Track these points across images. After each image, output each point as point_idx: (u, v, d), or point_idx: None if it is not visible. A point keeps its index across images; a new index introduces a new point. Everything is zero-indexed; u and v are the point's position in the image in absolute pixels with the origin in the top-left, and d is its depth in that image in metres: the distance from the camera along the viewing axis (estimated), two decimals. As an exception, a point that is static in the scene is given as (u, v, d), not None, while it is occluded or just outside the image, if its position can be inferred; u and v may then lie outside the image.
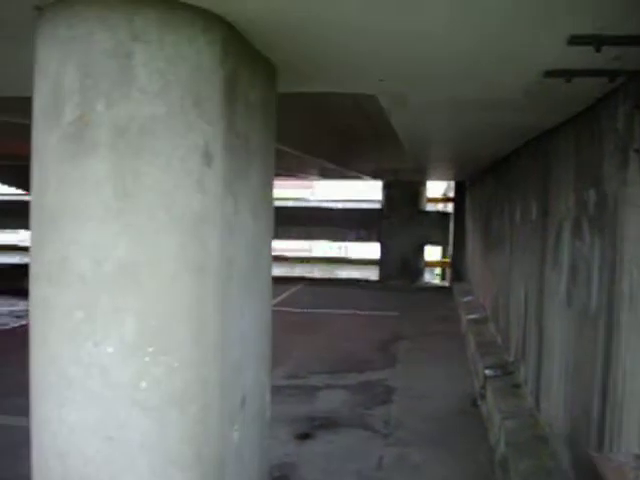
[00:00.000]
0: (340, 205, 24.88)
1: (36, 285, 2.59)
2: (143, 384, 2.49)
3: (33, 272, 2.62)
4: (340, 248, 37.39)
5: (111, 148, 2.48)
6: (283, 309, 13.05)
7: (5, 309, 13.03)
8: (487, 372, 7.93)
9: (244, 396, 3.14)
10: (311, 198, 32.37)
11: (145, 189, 2.49)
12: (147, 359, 2.49)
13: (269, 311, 3.66)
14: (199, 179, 2.60)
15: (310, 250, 35.69)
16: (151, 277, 2.50)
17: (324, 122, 8.58)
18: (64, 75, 2.55)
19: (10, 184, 20.82)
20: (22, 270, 14.25)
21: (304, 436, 6.83)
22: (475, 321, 11.34)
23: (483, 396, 7.64)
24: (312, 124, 8.56)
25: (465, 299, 14.01)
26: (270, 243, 3.65)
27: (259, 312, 3.37)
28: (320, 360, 9.77)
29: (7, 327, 11.45)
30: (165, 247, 2.53)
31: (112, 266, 2.47)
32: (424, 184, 21.18)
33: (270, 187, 3.58)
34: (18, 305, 13.61)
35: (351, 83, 4.39)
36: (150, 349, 2.49)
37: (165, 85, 2.56)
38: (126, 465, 2.54)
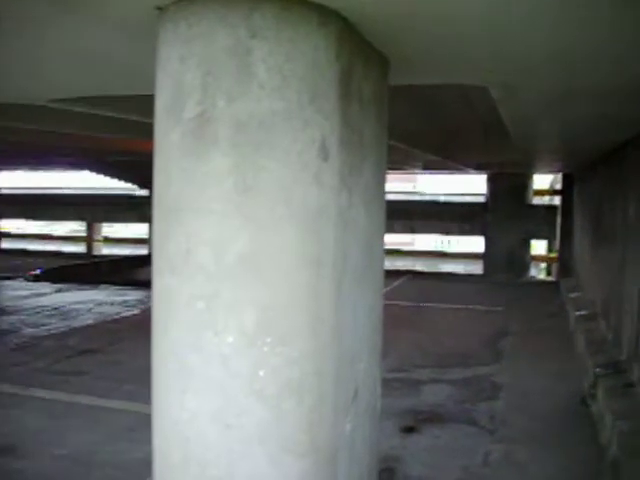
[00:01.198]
0: (443, 198, 24.66)
1: (159, 276, 2.70)
2: (261, 373, 2.55)
3: (156, 263, 2.72)
4: (443, 242, 37.10)
5: (232, 143, 2.54)
6: (387, 302, 13.03)
7: (118, 299, 13.54)
8: (597, 370, 7.71)
9: (357, 388, 3.16)
10: (414, 191, 32.22)
11: (264, 183, 2.54)
12: (265, 349, 2.55)
13: (381, 304, 3.68)
14: (316, 173, 2.63)
15: (412, 243, 35.56)
16: (270, 269, 2.56)
17: (430, 114, 8.51)
18: (185, 73, 2.63)
19: (125, 179, 21.59)
20: (133, 262, 14.93)
21: (409, 429, 6.83)
22: (584, 317, 11.03)
23: (593, 395, 7.44)
24: (417, 116, 8.50)
25: (573, 295, 13.65)
26: (382, 237, 3.67)
27: (371, 305, 3.39)
28: (425, 354, 9.73)
29: (120, 316, 11.90)
30: (283, 240, 2.58)
31: (233, 258, 2.54)
32: (530, 177, 20.73)
33: (383, 181, 3.60)
34: (129, 295, 14.15)
35: (462, 74, 4.35)
36: (268, 339, 2.55)
37: (283, 81, 2.60)
38: (244, 452, 2.60)
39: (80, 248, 26.88)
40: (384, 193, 3.66)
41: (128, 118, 7.66)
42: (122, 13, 2.94)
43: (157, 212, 2.73)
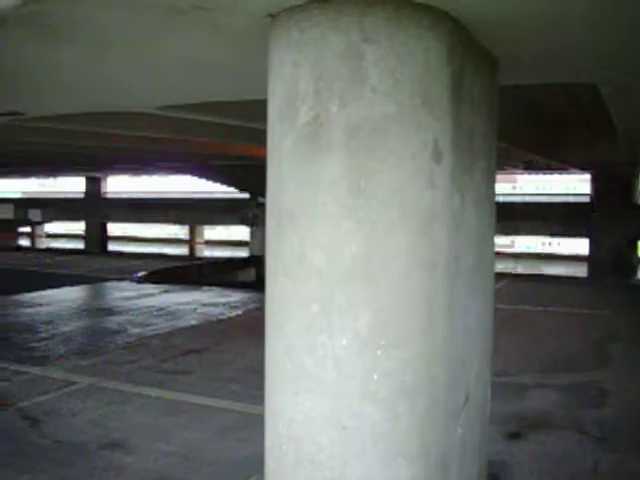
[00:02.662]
0: (545, 199, 24.09)
1: (273, 278, 2.74)
2: (375, 376, 2.56)
3: (270, 266, 2.77)
4: (544, 244, 36.20)
5: (345, 148, 2.56)
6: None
7: (221, 300, 13.80)
8: None
9: (468, 392, 3.13)
10: (514, 193, 31.57)
11: (378, 187, 2.55)
12: (379, 352, 2.55)
13: (491, 308, 3.63)
14: (429, 176, 2.62)
15: (512, 245, 34.85)
16: (383, 272, 2.57)
17: (533, 113, 8.34)
18: (298, 78, 2.67)
19: (225, 183, 21.99)
20: (235, 264, 15.13)
21: (514, 435, 6.68)
22: (699, 322, 10.55)
23: None
24: (520, 115, 8.35)
25: (685, 298, 13.08)
26: (493, 239, 3.62)
27: (482, 309, 3.35)
28: (528, 358, 9.50)
29: (224, 317, 12.12)
30: (397, 243, 2.58)
31: (346, 261, 2.56)
32: (636, 176, 20.00)
33: (492, 182, 3.55)
34: (232, 296, 14.41)
35: (571, 73, 4.24)
36: (382, 342, 2.56)
37: (395, 84, 2.60)
38: (357, 454, 2.61)
39: (183, 250, 27.59)
40: (494, 195, 3.62)
41: (231, 123, 7.82)
42: (234, 21, 3.01)
43: (271, 216, 2.78)
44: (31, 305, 13.33)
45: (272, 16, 2.81)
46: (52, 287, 15.49)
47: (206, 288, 15.54)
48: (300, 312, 2.63)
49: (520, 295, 15.48)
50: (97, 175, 26.43)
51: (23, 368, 8.27)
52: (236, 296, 14.43)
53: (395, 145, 2.57)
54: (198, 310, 12.64)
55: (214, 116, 7.22)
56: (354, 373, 2.58)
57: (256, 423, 6.21)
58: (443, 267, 2.71)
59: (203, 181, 22.84)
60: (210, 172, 20.32)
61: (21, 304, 13.50)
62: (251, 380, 7.78)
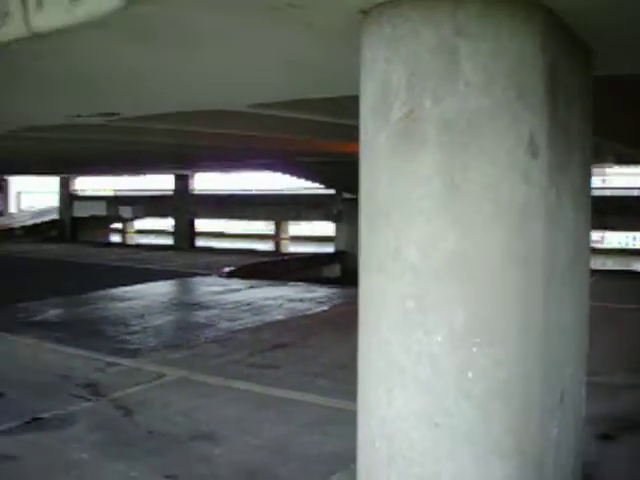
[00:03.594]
0: (637, 192, 23.28)
1: (367, 274, 2.75)
2: (470, 374, 2.54)
3: (363, 262, 2.78)
4: (635, 239, 35.00)
5: (439, 143, 2.55)
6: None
7: (308, 295, 13.87)
8: None
9: (563, 391, 3.07)
10: (604, 186, 30.62)
11: (472, 182, 2.53)
12: (474, 349, 2.53)
13: (587, 306, 3.54)
14: (524, 171, 2.59)
15: (601, 241, 33.83)
16: (478, 269, 2.54)
17: (626, 103, 8.08)
18: (391, 74, 2.67)
19: (311, 180, 22.12)
20: (321, 259, 15.12)
21: (606, 437, 6.50)
22: None
23: None
24: (611, 106, 8.10)
25: None
26: (589, 235, 3.54)
27: (578, 306, 3.28)
28: (620, 357, 9.21)
29: (310, 312, 12.18)
30: (491, 239, 2.55)
31: (441, 257, 2.55)
32: None
33: (588, 176, 3.47)
34: (318, 292, 14.48)
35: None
36: (477, 340, 2.54)
37: (488, 78, 2.57)
38: (450, 452, 2.60)
39: (268, 246, 27.88)
40: (590, 189, 3.53)
41: (319, 120, 7.85)
42: (326, 19, 3.03)
43: (365, 212, 2.79)
44: (123, 299, 13.71)
45: (364, 12, 2.82)
46: (142, 282, 15.90)
47: (292, 283, 15.65)
48: (394, 308, 2.63)
49: (610, 292, 15.02)
50: (185, 172, 26.99)
51: (116, 360, 8.50)
52: (322, 291, 14.49)
53: (490, 139, 2.55)
54: (284, 305, 12.74)
55: (303, 113, 7.26)
56: (449, 370, 2.56)
57: (343, 418, 6.27)
58: (539, 263, 2.66)
59: (288, 178, 23.05)
60: (296, 169, 20.47)
61: (114, 298, 13.91)
62: (338, 375, 7.80)
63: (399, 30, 2.66)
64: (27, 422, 6.12)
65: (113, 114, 5.85)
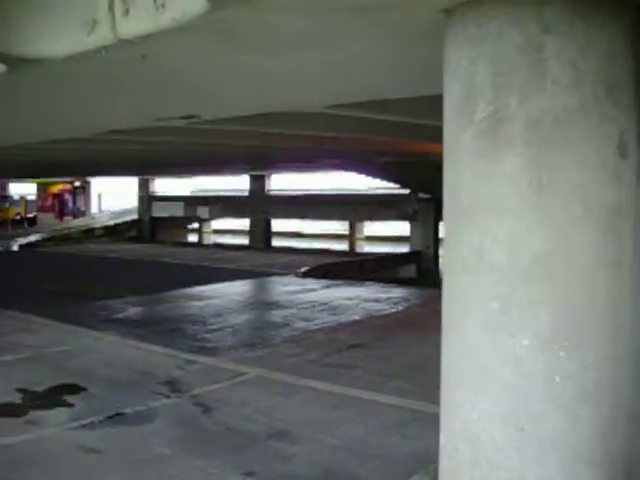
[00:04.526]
0: None
1: (451, 275, 2.73)
2: (557, 378, 2.49)
3: (448, 262, 2.76)
4: None
5: (525, 142, 2.51)
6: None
7: (383, 296, 13.84)
8: None
9: (653, 397, 2.98)
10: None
11: (559, 182, 2.48)
12: (562, 353, 2.48)
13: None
14: (614, 171, 2.53)
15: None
16: (565, 270, 2.49)
17: None
18: (475, 73, 2.64)
19: (388, 180, 22.05)
20: (396, 260, 15.01)
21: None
22: None
23: None
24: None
25: None
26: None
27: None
28: None
29: (386, 312, 12.15)
30: (580, 240, 2.50)
31: (527, 258, 2.50)
32: None
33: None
34: (393, 292, 14.43)
35: None
36: (565, 343, 2.48)
37: (577, 75, 2.52)
38: (536, 457, 2.55)
39: (343, 246, 27.91)
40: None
41: (396, 120, 7.83)
42: (407, 19, 3.01)
43: (449, 212, 2.76)
44: (201, 298, 13.94)
45: (447, 12, 2.80)
46: (219, 281, 16.12)
47: (367, 283, 15.63)
48: (479, 309, 2.60)
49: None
50: (261, 173, 27.25)
51: (195, 357, 8.65)
52: (397, 292, 14.44)
53: (578, 138, 2.49)
54: (360, 305, 12.74)
55: (380, 114, 7.25)
56: (535, 374, 2.52)
57: (420, 419, 6.23)
58: (628, 266, 2.59)
59: (362, 177, 23.00)
60: (371, 168, 20.43)
61: (192, 297, 14.15)
62: (415, 376, 7.76)
63: (483, 29, 2.62)
64: (110, 417, 6.28)
65: (192, 116, 5.95)
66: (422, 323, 11.29)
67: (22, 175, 28.54)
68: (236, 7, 2.74)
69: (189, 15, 2.75)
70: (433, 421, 5.99)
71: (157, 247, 28.17)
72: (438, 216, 21.26)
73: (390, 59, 3.94)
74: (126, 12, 3.03)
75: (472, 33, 2.66)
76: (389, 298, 13.51)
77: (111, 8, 3.08)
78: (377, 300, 13.30)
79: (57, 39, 3.50)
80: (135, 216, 33.37)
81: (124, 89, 4.79)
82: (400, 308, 12.56)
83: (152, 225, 32.76)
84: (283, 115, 6.96)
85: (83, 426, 6.06)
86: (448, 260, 2.75)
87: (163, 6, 2.81)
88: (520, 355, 2.52)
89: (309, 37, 3.34)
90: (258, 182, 28.12)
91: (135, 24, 3.01)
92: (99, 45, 3.26)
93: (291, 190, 28.68)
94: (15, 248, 28.31)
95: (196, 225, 33.26)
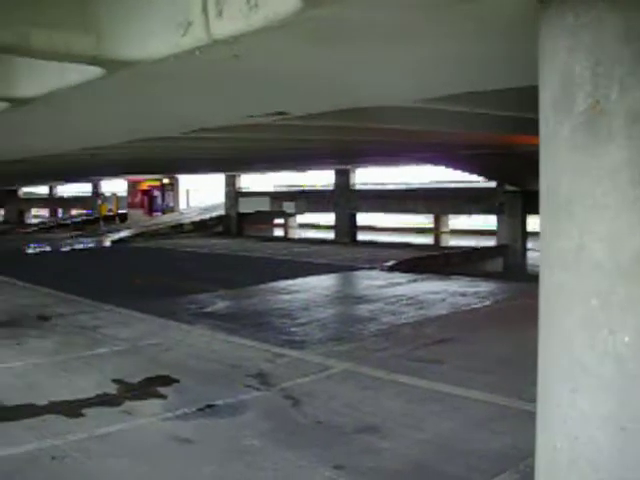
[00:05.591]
0: None
1: (548, 271, 2.68)
2: (660, 377, 2.42)
3: (545, 258, 2.71)
4: None
5: (627, 135, 2.44)
6: None
7: (470, 290, 13.69)
8: None
9: None
10: None
11: (664, 177, 2.40)
12: (665, 353, 2.41)
13: None
14: None
15: None
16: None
17: None
18: (574, 64, 2.57)
19: (474, 172, 21.78)
20: (482, 254, 14.81)
21: None
22: None
23: None
24: None
25: None
26: None
27: None
28: None
29: (473, 307, 12.01)
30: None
31: (628, 255, 2.43)
32: None
33: None
34: (480, 286, 14.25)
35: None
36: (668, 343, 2.41)
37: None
38: (638, 459, 2.48)
39: (427, 240, 27.69)
40: None
41: (483, 113, 7.72)
42: (500, 10, 2.97)
43: (546, 206, 2.71)
44: (288, 292, 14.08)
45: (542, 2, 2.74)
46: (306, 275, 16.24)
47: (454, 277, 15.48)
48: (578, 306, 2.54)
49: None
50: (346, 167, 27.27)
51: (284, 351, 8.75)
52: (484, 286, 14.26)
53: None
54: (447, 300, 12.64)
55: (467, 106, 7.16)
56: (637, 372, 2.45)
57: (509, 416, 6.15)
58: None
59: (447, 170, 22.74)
60: (457, 161, 20.19)
61: (279, 291, 14.32)
62: (503, 372, 7.65)
63: (582, 18, 2.56)
64: (201, 408, 6.42)
65: (282, 113, 6.01)
66: (510, 318, 11.11)
67: (113, 173, 29.37)
68: (328, 5, 2.75)
69: (282, 14, 2.78)
70: (522, 417, 5.92)
71: (244, 242, 28.61)
72: (526, 209, 20.85)
73: (482, 52, 3.89)
74: (219, 13, 3.08)
75: (570, 22, 2.59)
76: (476, 292, 13.35)
77: (205, 10, 3.14)
78: (464, 294, 13.16)
79: (152, 41, 3.58)
80: (222, 212, 33.96)
81: (215, 88, 4.87)
82: (487, 302, 12.40)
83: (239, 220, 33.28)
84: (371, 110, 6.96)
85: (176, 417, 6.22)
86: (545, 255, 2.70)
87: (256, 6, 2.85)
88: (621, 353, 2.45)
89: (399, 32, 3.32)
90: (343, 176, 28.17)
91: (228, 25, 3.06)
92: (193, 46, 3.32)
93: (376, 184, 28.62)
94: (107, 244, 29.25)
95: (281, 220, 33.58)
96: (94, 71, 4.00)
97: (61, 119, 6.09)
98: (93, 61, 3.76)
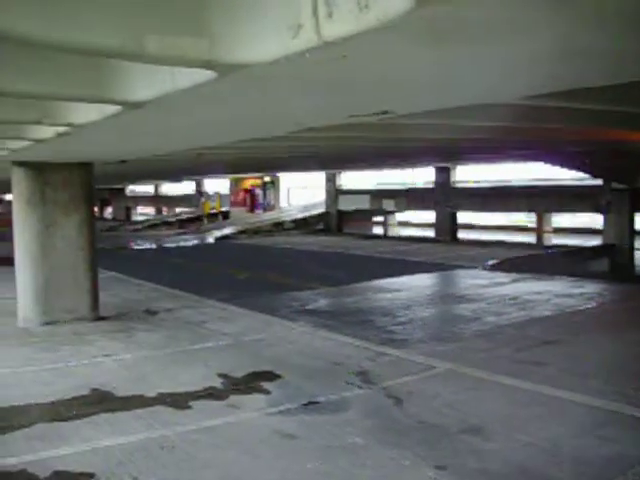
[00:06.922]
0: None
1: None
2: None
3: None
4: None
5: None
6: None
7: (575, 290, 13.35)
8: None
9: None
10: None
11: None
12: None
13: None
14: None
15: None
16: None
17: None
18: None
19: (579, 169, 21.19)
20: (588, 253, 14.49)
21: None
22: None
23: None
24: None
25: None
26: None
27: None
28: None
29: (578, 308, 11.72)
30: None
31: None
32: None
33: None
34: (585, 287, 13.87)
35: None
36: None
37: None
38: None
39: (530, 238, 27.12)
40: None
41: (589, 108, 7.53)
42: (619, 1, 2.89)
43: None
44: (389, 290, 14.11)
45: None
46: (406, 273, 16.21)
47: (558, 278, 15.12)
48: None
49: None
50: (446, 165, 27.02)
51: (385, 349, 8.79)
52: (590, 287, 13.86)
53: None
54: (551, 300, 12.36)
55: (573, 102, 6.99)
56: None
57: (617, 421, 6.00)
58: None
59: (547, 167, 22.17)
60: (561, 158, 19.66)
61: (380, 289, 14.35)
62: (611, 376, 7.47)
63: None
64: (304, 404, 6.53)
65: (386, 112, 6.01)
66: (617, 321, 10.82)
67: (217, 172, 30.01)
68: (440, 4, 2.74)
69: (393, 14, 2.78)
70: (630, 424, 5.76)
71: (344, 239, 28.81)
72: (634, 207, 20.17)
73: (591, 46, 3.78)
74: (330, 15, 3.12)
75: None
76: (581, 293, 13.01)
77: (315, 12, 3.19)
78: (569, 295, 12.85)
79: (262, 44, 3.66)
80: (322, 209, 34.27)
81: (319, 88, 4.91)
82: (594, 304, 12.08)
83: (339, 218, 33.51)
84: (476, 107, 6.88)
85: (280, 412, 6.35)
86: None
87: (367, 7, 2.87)
88: None
89: (511, 29, 3.28)
90: (443, 174, 27.94)
91: (339, 26, 3.09)
92: (303, 48, 3.38)
93: (477, 182, 28.24)
94: (211, 240, 30.01)
95: (381, 218, 33.58)
96: (205, 74, 4.11)
97: (170, 121, 6.27)
98: (207, 65, 3.86)
